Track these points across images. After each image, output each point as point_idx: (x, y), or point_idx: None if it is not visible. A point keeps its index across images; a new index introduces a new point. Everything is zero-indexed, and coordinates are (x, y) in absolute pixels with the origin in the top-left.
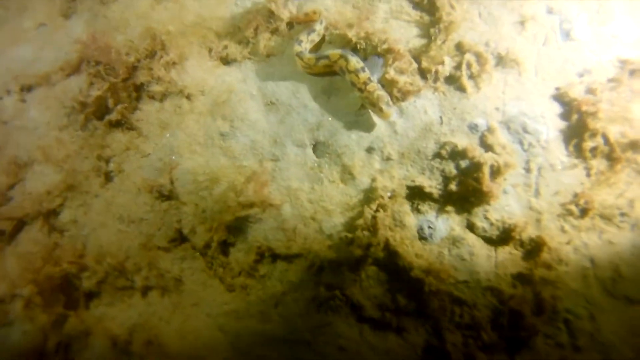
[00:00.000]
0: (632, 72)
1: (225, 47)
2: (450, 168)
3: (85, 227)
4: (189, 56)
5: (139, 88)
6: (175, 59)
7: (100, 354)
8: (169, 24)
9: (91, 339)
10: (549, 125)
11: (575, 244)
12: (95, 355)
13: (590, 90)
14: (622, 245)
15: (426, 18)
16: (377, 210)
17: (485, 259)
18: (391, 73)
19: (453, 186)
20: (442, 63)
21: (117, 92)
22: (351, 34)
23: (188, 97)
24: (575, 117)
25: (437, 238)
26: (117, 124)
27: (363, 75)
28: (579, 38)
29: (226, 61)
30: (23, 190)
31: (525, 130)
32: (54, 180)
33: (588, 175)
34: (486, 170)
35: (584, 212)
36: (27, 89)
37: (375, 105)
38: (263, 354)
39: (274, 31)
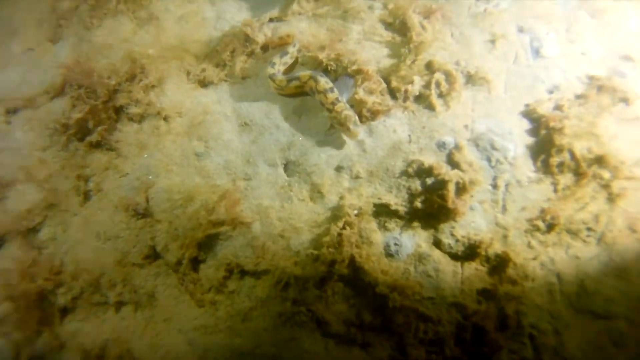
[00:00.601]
0: (600, 88)
1: (203, 70)
2: (416, 185)
3: (63, 245)
4: (168, 79)
5: (119, 110)
6: (155, 82)
7: None
8: (150, 47)
9: (64, 353)
10: (517, 142)
11: (542, 259)
12: None
13: (558, 107)
14: (587, 260)
15: (398, 39)
16: (343, 228)
17: (451, 275)
18: (360, 93)
19: (418, 203)
20: (412, 82)
21: (98, 114)
22: (322, 55)
23: (165, 119)
24: (543, 133)
25: (403, 255)
26: (97, 145)
27: (331, 96)
28: (549, 55)
29: (203, 84)
30: (4, 208)
31: (493, 147)
32: (35, 199)
33: (555, 190)
34: (451, 188)
35: (550, 228)
36: (13, 111)
37: (343, 125)
38: None
39: (250, 54)
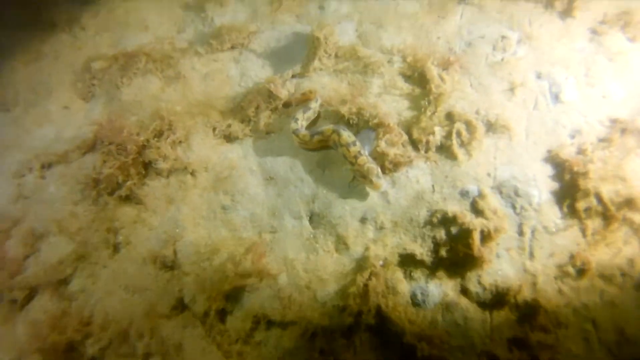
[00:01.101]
0: (623, 131)
1: (229, 125)
2: (441, 234)
3: (92, 296)
4: (195, 134)
5: (147, 165)
6: (182, 138)
7: None
8: (177, 104)
9: None
10: (541, 187)
11: (574, 305)
12: None
13: (580, 151)
14: (625, 306)
15: (417, 91)
16: (369, 279)
17: (480, 323)
18: (382, 146)
19: (444, 252)
20: (433, 133)
21: (127, 169)
22: (344, 110)
23: (192, 173)
24: (567, 178)
25: (430, 304)
26: (126, 199)
27: (354, 149)
28: (569, 100)
29: (229, 139)
30: (37, 260)
31: (517, 194)
32: (66, 251)
33: (584, 235)
34: (476, 236)
35: (581, 273)
36: (48, 166)
37: (365, 178)
38: None
39: (274, 110)
